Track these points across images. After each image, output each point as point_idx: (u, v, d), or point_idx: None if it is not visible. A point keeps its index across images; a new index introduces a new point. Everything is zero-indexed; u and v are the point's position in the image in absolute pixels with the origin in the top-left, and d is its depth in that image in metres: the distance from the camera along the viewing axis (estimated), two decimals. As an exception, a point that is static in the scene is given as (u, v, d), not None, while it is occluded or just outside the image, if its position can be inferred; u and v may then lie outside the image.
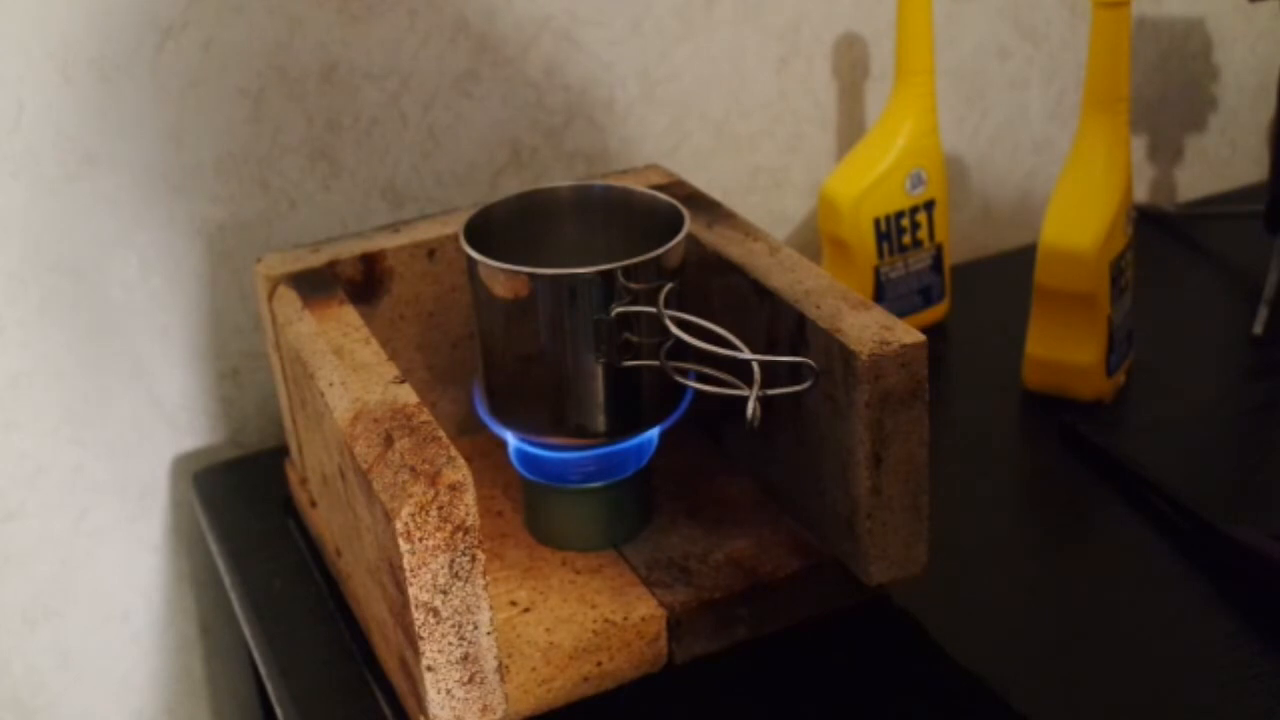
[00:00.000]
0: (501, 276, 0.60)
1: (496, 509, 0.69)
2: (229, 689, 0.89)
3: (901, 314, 0.86)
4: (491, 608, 0.53)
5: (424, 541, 0.51)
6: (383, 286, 0.70)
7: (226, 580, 0.73)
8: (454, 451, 0.52)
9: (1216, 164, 1.11)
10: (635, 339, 0.60)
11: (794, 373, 0.58)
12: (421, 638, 0.52)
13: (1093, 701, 0.59)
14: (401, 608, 0.53)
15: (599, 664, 0.60)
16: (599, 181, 0.71)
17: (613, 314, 0.59)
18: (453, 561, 0.51)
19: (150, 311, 0.79)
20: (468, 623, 0.53)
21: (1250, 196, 1.01)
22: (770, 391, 0.55)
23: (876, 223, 0.85)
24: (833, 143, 0.95)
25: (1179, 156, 1.09)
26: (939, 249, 0.88)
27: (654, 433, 0.64)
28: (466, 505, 0.51)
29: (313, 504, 0.70)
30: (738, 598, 0.61)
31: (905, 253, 0.87)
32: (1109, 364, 0.79)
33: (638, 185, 0.68)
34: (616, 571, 0.63)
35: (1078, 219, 0.77)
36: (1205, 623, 0.63)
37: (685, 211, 0.62)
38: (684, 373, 0.60)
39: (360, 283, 0.69)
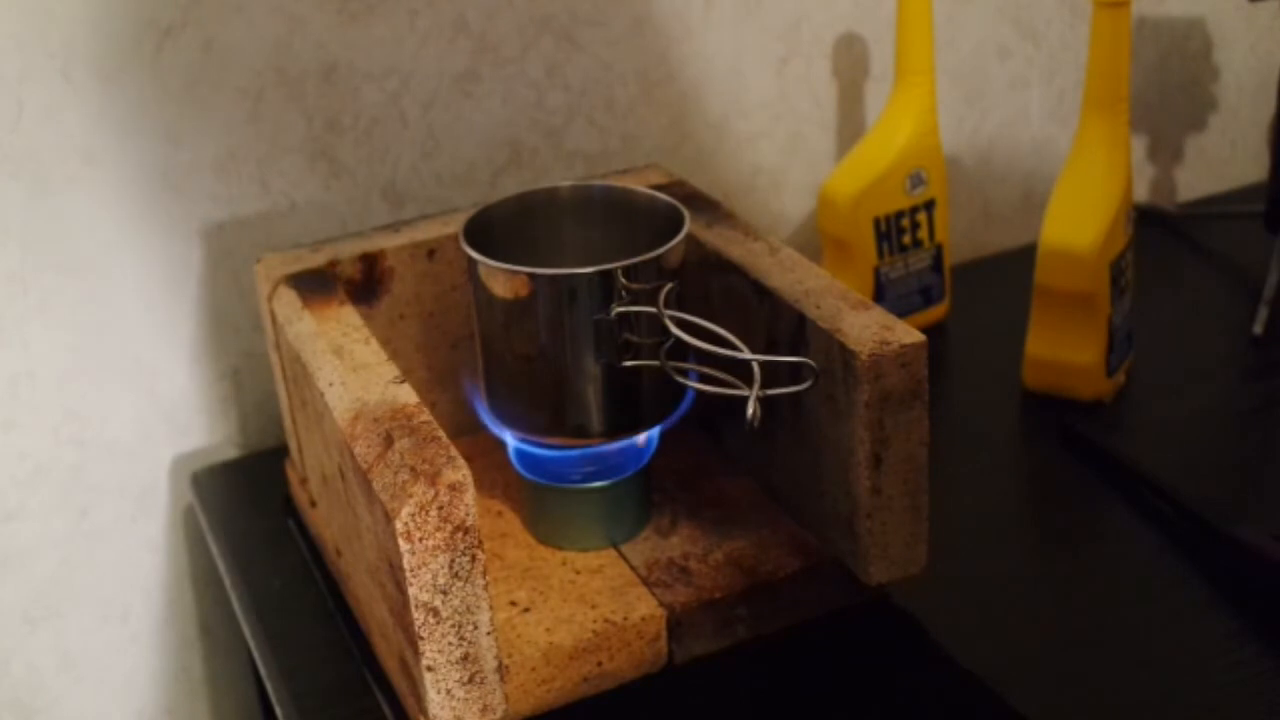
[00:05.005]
0: (501, 276, 0.60)
1: (496, 509, 0.69)
2: (229, 689, 0.89)
3: (901, 314, 0.86)
4: (491, 608, 0.53)
5: (424, 541, 0.51)
6: (383, 286, 0.70)
7: (226, 580, 0.73)
8: (454, 451, 0.52)
9: (1216, 164, 1.11)
10: (635, 339, 0.60)
11: (794, 373, 0.58)
12: (421, 638, 0.52)
13: (1093, 701, 0.59)
14: (401, 608, 0.53)
15: (599, 664, 0.60)
16: (599, 181, 0.71)
17: (613, 314, 0.59)
18: (453, 561, 0.51)
19: (150, 311, 0.79)
20: (468, 623, 0.53)
21: (1250, 196, 1.01)
22: (770, 391, 0.55)
23: (876, 223, 0.85)
24: (833, 143, 0.95)
25: (1179, 156, 1.09)
26: (939, 249, 0.88)
27: (654, 432, 0.64)
28: (466, 505, 0.51)
29: (313, 504, 0.70)
30: (738, 598, 0.61)
31: (905, 253, 0.87)
32: (1109, 364, 0.79)
33: (638, 185, 0.68)
34: (616, 571, 0.63)
35: (1078, 219, 0.77)
36: (1205, 623, 0.63)
37: (685, 211, 0.62)
38: (684, 373, 0.60)
39: (360, 283, 0.69)
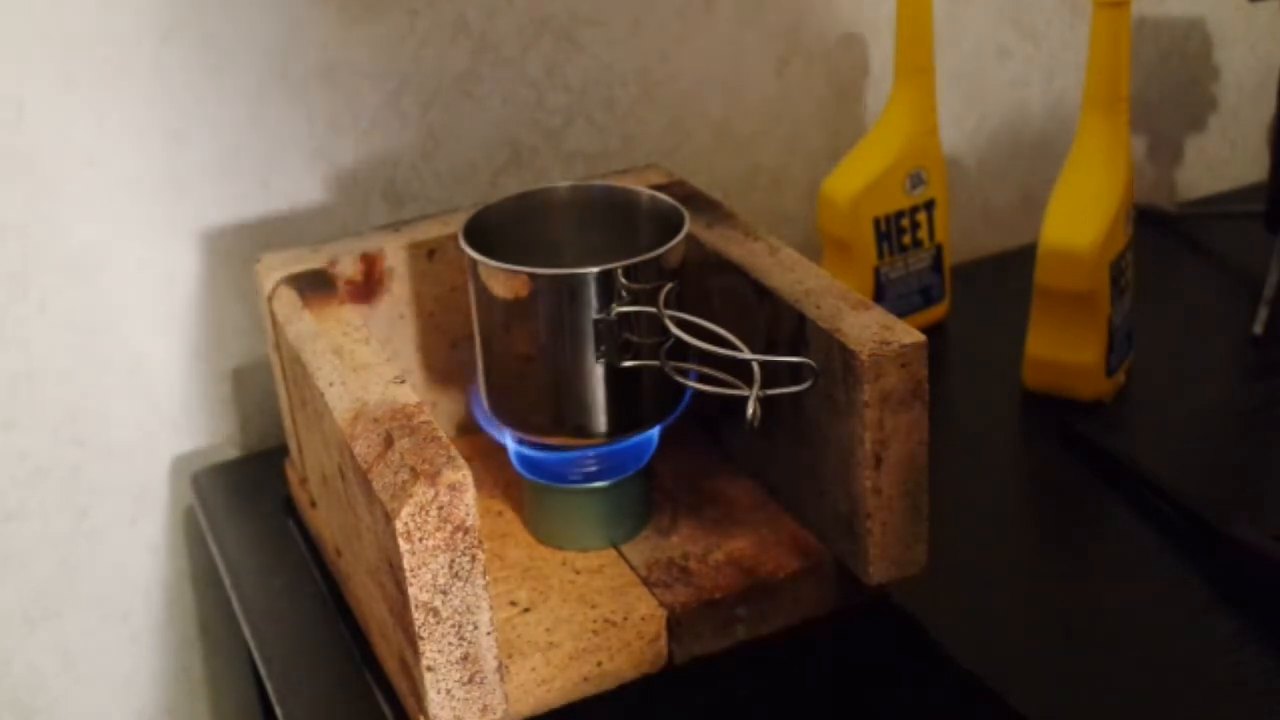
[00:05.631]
0: (501, 276, 0.60)
1: (496, 509, 0.69)
2: (229, 689, 0.89)
3: (901, 314, 0.86)
4: (491, 608, 0.53)
5: (424, 541, 0.51)
6: (383, 286, 0.70)
7: (226, 580, 0.73)
8: (454, 451, 0.52)
9: (1216, 164, 1.11)
10: (635, 339, 0.60)
11: (794, 373, 0.58)
12: (421, 638, 0.52)
13: (1093, 702, 0.59)
14: (401, 608, 0.53)
15: (599, 664, 0.60)
16: (599, 181, 0.71)
17: (613, 314, 0.59)
18: (453, 561, 0.51)
19: (150, 312, 0.79)
20: (468, 623, 0.53)
21: (1250, 196, 1.01)
22: (770, 391, 0.55)
23: (876, 223, 0.85)
24: (833, 143, 0.95)
25: (1179, 156, 1.09)
26: (939, 249, 0.88)
27: (654, 432, 0.64)
28: (466, 505, 0.51)
29: (313, 504, 0.70)
30: (738, 598, 0.61)
31: (905, 253, 0.87)
32: (1109, 364, 0.79)
33: (638, 185, 0.68)
34: (616, 571, 0.63)
35: (1078, 219, 0.77)
36: (1205, 623, 0.63)
37: (685, 211, 0.63)
38: (684, 373, 0.60)
39: (360, 283, 0.69)
